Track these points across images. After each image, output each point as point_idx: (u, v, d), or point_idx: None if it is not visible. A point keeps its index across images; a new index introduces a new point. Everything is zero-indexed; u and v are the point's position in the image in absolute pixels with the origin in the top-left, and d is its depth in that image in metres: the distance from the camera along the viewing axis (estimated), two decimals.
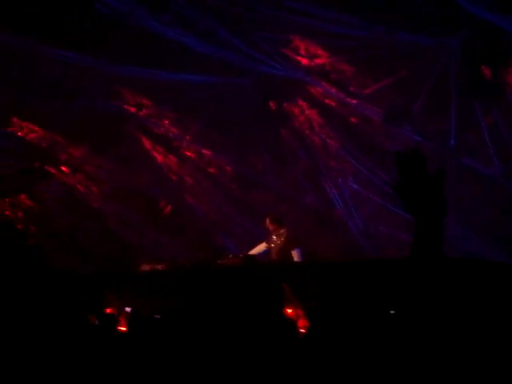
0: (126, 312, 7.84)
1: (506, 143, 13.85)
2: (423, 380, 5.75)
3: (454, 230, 13.24)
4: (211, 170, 15.41)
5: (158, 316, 6.60)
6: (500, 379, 5.33)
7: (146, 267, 11.07)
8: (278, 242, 11.58)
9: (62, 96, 14.79)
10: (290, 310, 8.05)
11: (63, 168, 15.44)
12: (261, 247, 11.79)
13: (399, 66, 13.94)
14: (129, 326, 6.72)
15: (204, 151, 15.39)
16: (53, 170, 15.39)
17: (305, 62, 14.37)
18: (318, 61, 14.39)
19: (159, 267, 11.07)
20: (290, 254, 11.51)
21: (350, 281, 9.20)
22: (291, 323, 6.83)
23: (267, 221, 11.79)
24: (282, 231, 11.64)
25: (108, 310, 7.98)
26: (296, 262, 11.42)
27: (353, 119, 14.64)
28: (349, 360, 6.47)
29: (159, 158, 15.46)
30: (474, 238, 13.65)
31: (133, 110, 15.21)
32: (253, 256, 11.47)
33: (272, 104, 14.80)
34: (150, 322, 6.49)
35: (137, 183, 15.43)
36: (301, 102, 14.80)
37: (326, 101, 14.67)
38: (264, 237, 11.97)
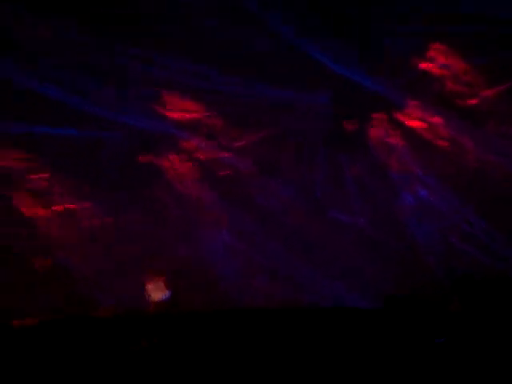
0: None
1: (371, 195, 14.36)
2: None
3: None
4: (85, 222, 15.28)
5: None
6: None
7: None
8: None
9: None
10: None
11: None
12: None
13: (268, 119, 14.31)
14: None
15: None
16: None
17: (175, 116, 14.59)
18: (188, 115, 14.63)
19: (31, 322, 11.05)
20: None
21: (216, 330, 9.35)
22: None
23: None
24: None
25: None
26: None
27: (225, 172, 14.88)
28: None
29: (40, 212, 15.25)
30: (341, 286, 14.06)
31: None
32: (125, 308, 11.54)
33: (143, 158, 14.90)
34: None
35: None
36: (172, 157, 14.95)
37: (198, 154, 14.89)
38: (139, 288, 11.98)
